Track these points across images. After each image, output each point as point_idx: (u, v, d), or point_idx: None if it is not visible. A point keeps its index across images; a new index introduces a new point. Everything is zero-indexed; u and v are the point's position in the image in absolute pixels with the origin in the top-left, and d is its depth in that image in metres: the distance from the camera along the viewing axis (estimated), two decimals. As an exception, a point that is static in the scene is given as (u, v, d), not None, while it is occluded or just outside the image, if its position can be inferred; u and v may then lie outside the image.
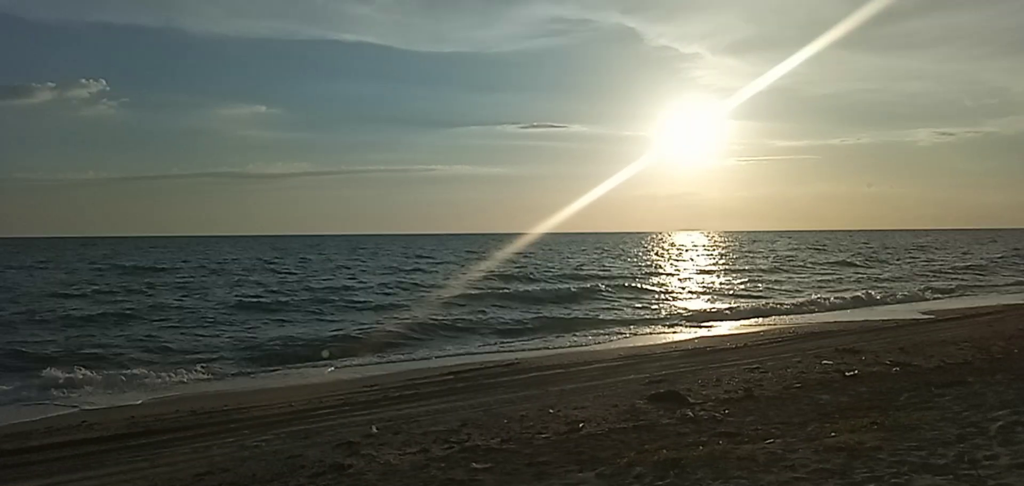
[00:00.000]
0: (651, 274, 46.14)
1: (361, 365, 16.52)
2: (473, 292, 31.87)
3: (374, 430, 8.37)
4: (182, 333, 20.78)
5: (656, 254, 76.26)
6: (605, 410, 8.57)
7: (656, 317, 25.32)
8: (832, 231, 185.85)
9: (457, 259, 64.89)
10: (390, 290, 33.91)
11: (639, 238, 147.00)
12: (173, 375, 14.97)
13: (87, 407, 12.26)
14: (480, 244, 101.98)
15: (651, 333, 21.86)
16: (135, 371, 15.15)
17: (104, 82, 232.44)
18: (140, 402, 12.60)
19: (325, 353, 17.37)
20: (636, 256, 70.55)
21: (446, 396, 11.53)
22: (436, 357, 17.46)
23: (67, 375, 14.49)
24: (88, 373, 14.73)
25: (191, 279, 40.59)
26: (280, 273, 46.50)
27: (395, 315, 24.98)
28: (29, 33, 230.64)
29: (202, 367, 15.92)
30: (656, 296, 32.18)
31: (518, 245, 76.05)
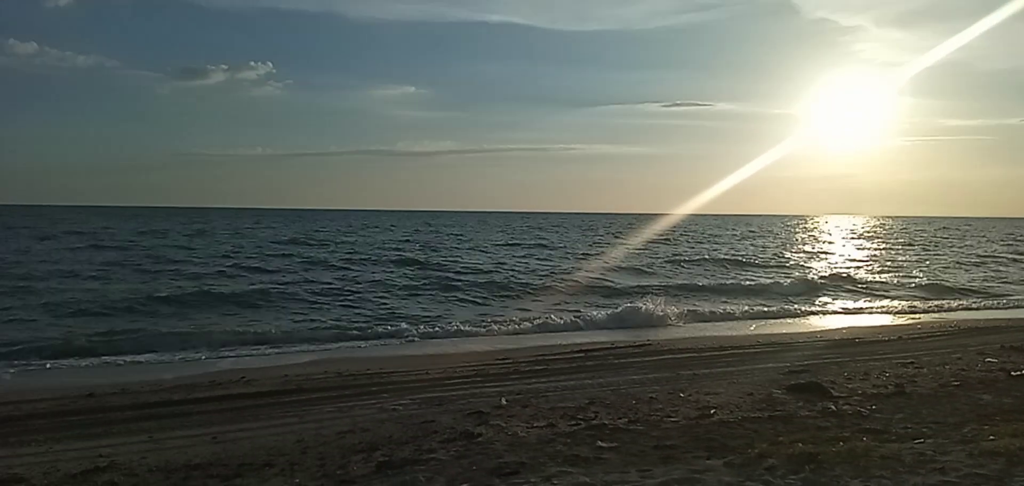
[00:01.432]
0: (803, 257, 44.11)
1: (493, 338, 16.91)
2: (609, 275, 31.68)
3: (503, 402, 8.56)
4: (337, 305, 22.03)
5: (811, 237, 72.61)
6: (739, 397, 8.33)
7: (805, 303, 24.04)
8: (1012, 219, 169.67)
9: (597, 239, 64.66)
10: (524, 272, 34.18)
11: (788, 221, 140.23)
12: (321, 343, 16.16)
13: (247, 366, 13.28)
14: (620, 224, 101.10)
15: (796, 320, 20.87)
16: (288, 342, 16.40)
17: (271, 64, 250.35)
18: (293, 364, 13.49)
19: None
20: (787, 239, 67.40)
21: (575, 373, 11.56)
22: (567, 333, 17.54)
23: (230, 339, 16.01)
24: (249, 339, 16.22)
25: (341, 252, 42.96)
26: (427, 247, 48.23)
27: (530, 294, 25.27)
28: (205, 18, 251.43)
29: (346, 335, 16.99)
30: (807, 281, 30.51)
31: (659, 227, 74.70)
